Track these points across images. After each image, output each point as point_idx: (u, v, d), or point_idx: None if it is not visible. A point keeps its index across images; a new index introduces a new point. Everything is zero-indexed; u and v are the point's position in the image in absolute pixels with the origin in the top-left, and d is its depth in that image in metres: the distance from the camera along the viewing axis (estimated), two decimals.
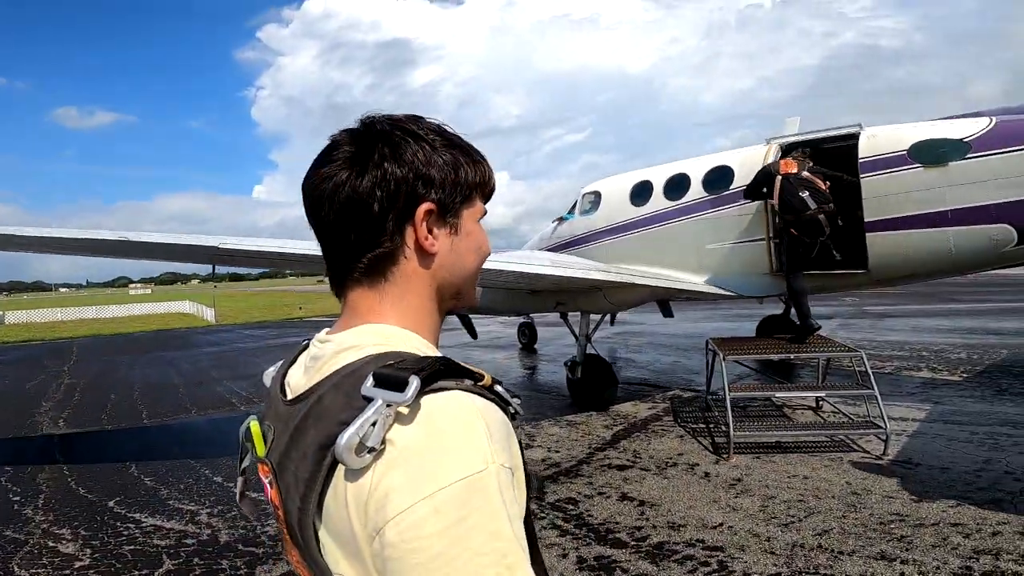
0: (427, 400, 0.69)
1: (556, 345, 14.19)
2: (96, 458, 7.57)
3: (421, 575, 0.62)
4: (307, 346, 0.90)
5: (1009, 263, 7.23)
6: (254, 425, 0.88)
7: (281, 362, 0.95)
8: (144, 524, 5.25)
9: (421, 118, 0.90)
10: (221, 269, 10.17)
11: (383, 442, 0.67)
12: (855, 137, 7.29)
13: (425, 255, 0.85)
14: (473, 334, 11.67)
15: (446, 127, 0.90)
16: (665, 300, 10.18)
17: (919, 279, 8.09)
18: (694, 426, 7.18)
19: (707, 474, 5.59)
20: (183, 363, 15.78)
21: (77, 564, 4.56)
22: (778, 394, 7.46)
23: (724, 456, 5.98)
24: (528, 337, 14.74)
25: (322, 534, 0.73)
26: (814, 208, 6.72)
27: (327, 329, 0.89)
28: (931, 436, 6.23)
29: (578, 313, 8.59)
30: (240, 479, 0.95)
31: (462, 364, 0.75)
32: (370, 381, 0.70)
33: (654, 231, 8.75)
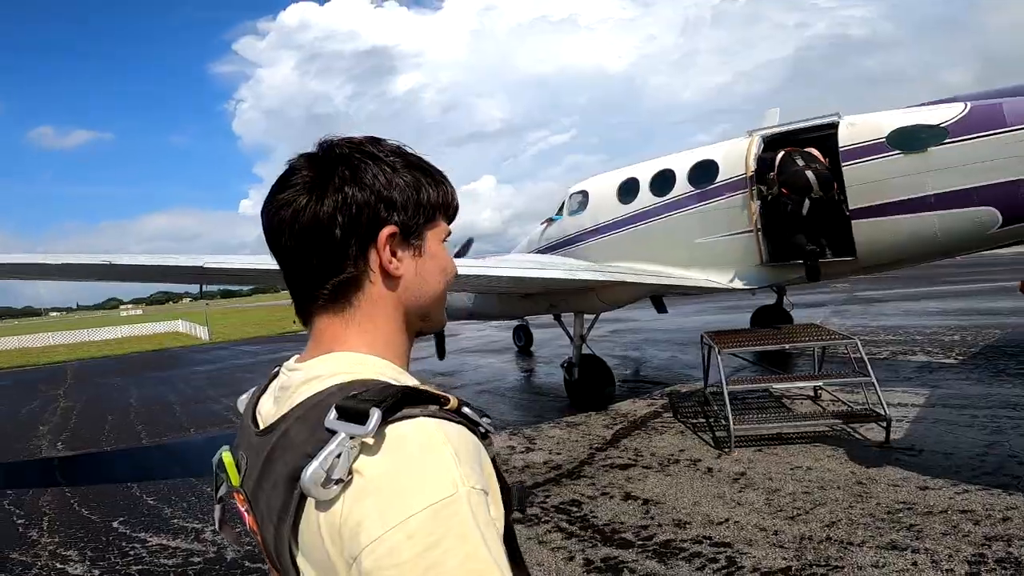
0: (392, 429, 0.69)
1: (553, 346, 14.15)
2: (97, 479, 7.54)
3: None
4: (278, 373, 0.90)
5: (997, 244, 7.29)
6: (226, 456, 0.88)
7: (254, 389, 0.95)
8: (150, 543, 5.22)
9: (380, 140, 0.88)
10: (212, 286, 10.14)
11: (350, 472, 0.67)
12: (834, 126, 7.34)
13: (390, 279, 0.85)
14: (441, 354, 10.85)
15: (406, 148, 0.89)
16: (658, 296, 10.17)
17: (908, 264, 8.16)
18: (694, 421, 7.18)
19: (710, 469, 5.57)
20: (179, 383, 15.68)
21: None
22: (776, 385, 7.50)
23: (726, 450, 5.97)
24: (524, 340, 14.73)
25: (300, 561, 0.74)
26: (801, 164, 7.03)
27: (296, 356, 0.89)
28: (932, 421, 6.24)
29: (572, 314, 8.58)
30: (218, 507, 0.96)
31: (427, 389, 0.75)
32: (333, 414, 0.70)
33: (643, 228, 8.75)
